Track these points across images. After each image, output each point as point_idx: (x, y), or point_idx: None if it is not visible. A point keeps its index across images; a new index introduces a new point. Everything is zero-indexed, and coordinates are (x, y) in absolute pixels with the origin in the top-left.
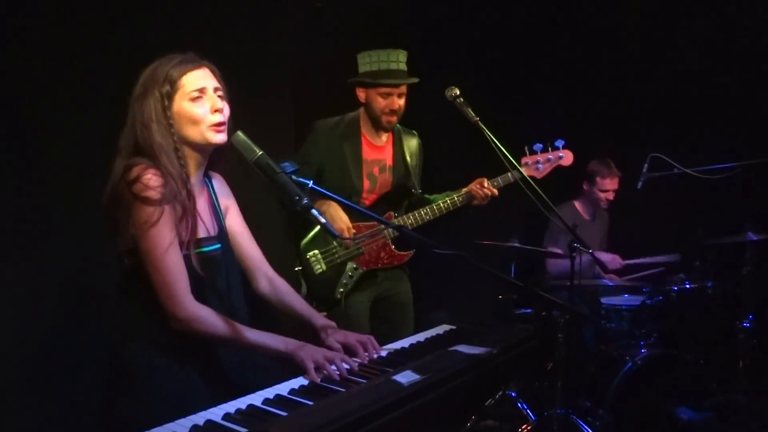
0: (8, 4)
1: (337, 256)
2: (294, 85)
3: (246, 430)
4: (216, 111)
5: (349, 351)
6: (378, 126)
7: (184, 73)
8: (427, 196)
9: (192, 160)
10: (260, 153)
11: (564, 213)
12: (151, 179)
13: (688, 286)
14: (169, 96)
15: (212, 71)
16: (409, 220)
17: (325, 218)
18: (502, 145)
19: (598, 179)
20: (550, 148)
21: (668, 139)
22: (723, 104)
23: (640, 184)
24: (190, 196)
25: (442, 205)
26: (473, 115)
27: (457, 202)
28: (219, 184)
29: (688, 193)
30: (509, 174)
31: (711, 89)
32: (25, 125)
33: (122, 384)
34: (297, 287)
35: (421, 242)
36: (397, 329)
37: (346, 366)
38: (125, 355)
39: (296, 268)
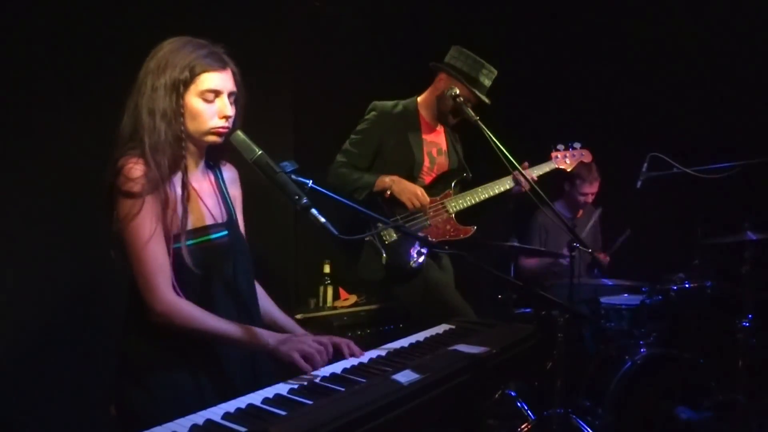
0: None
1: (405, 226)
2: (294, 85)
3: (245, 429)
4: (223, 117)
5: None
6: (441, 117)
7: (207, 70)
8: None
9: (191, 151)
10: (260, 152)
11: (547, 216)
12: (132, 169)
13: (687, 285)
14: (186, 84)
15: (234, 75)
16: (467, 197)
17: (384, 197)
18: (503, 145)
19: (578, 182)
20: (570, 147)
21: (668, 139)
22: (722, 104)
23: (639, 184)
24: (185, 187)
25: (495, 188)
26: (473, 114)
27: (506, 184)
28: (229, 174)
29: (688, 192)
30: (546, 164)
31: (711, 89)
32: (25, 121)
33: (130, 378)
34: (369, 257)
35: (420, 241)
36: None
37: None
38: (132, 349)
39: (366, 239)
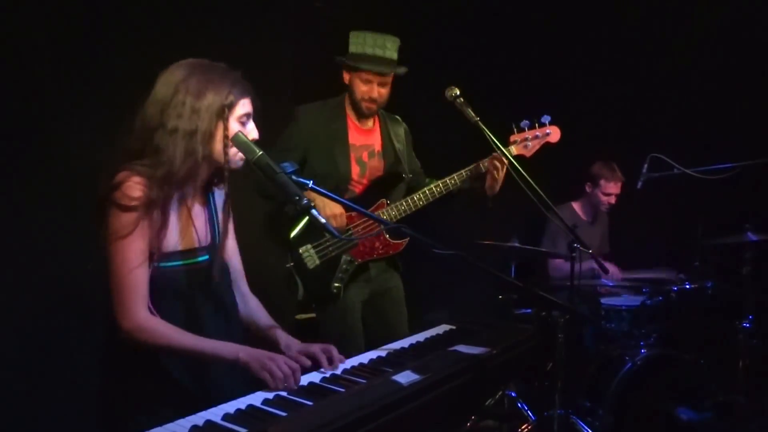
0: (9, 3)
1: (330, 249)
2: (294, 85)
3: (245, 430)
4: (253, 140)
5: (314, 360)
6: (357, 111)
7: (243, 96)
8: (429, 179)
9: (204, 174)
10: (260, 153)
11: (562, 215)
12: (132, 188)
13: (687, 286)
14: (230, 108)
15: (253, 101)
16: (402, 206)
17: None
18: (500, 142)
19: (602, 182)
20: (537, 125)
21: (668, 139)
22: (723, 104)
23: (639, 184)
24: (184, 204)
25: (434, 189)
26: (473, 115)
27: (450, 185)
28: (219, 194)
29: (688, 193)
30: (509, 148)
31: (711, 89)
32: (24, 125)
33: (116, 383)
34: (291, 285)
35: (420, 242)
36: (391, 327)
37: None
38: (117, 355)
39: (287, 265)
